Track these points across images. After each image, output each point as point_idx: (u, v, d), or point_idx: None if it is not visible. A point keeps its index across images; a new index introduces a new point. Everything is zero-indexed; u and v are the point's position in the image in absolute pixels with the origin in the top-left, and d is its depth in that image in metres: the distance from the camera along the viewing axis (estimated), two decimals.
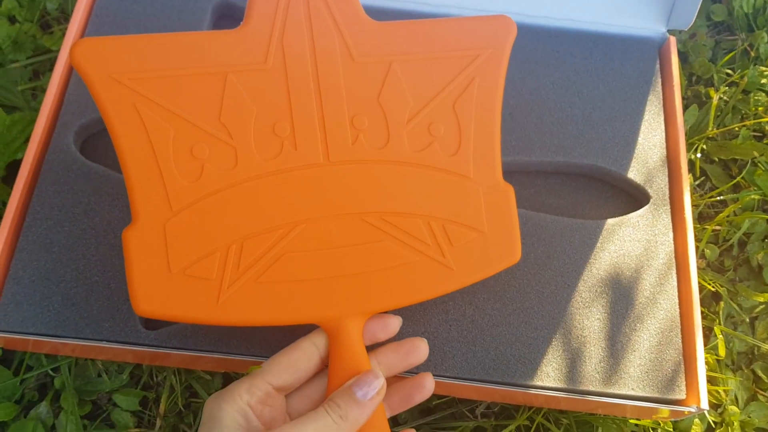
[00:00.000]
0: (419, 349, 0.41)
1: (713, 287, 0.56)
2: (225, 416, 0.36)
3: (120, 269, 0.47)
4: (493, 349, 0.47)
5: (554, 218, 0.51)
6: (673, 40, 0.58)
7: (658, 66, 0.58)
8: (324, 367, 0.41)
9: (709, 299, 0.57)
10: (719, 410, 0.53)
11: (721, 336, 0.54)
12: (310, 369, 0.40)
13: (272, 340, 0.45)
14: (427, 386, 0.41)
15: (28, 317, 0.45)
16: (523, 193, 0.54)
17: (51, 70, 0.60)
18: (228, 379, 0.51)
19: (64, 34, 0.55)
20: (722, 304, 0.56)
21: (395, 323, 0.42)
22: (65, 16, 0.63)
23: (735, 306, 0.56)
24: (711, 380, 0.54)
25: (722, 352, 0.54)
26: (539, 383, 0.46)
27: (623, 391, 0.46)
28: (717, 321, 0.56)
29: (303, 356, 0.39)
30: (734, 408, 0.53)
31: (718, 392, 0.54)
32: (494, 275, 0.44)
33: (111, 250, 0.48)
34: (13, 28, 0.62)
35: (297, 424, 0.35)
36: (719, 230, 0.59)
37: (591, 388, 0.46)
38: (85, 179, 0.50)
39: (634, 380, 0.47)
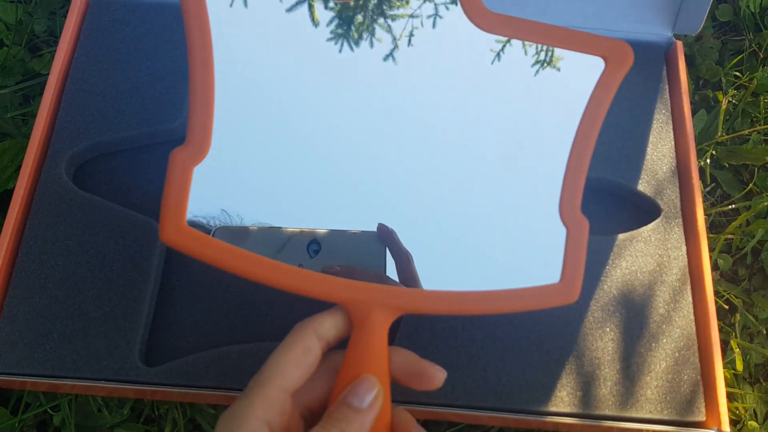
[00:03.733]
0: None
1: (728, 297, 0.55)
2: None
3: (117, 303, 0.46)
4: (504, 374, 0.45)
5: None
6: (680, 44, 0.56)
7: (665, 72, 0.56)
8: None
9: (724, 311, 0.55)
10: (738, 426, 0.52)
11: (738, 350, 0.53)
12: (316, 362, 0.36)
13: None
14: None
15: (23, 357, 0.44)
16: None
17: (41, 94, 0.58)
18: None
19: (53, 57, 0.53)
20: (738, 316, 0.55)
21: (438, 378, 0.36)
22: (54, 38, 0.62)
23: (751, 317, 0.55)
24: (729, 396, 0.52)
25: (740, 366, 0.52)
26: (554, 409, 0.45)
27: (640, 415, 0.45)
28: (733, 334, 0.54)
29: (308, 351, 0.35)
30: (754, 423, 0.52)
31: (736, 408, 0.52)
32: None
33: (107, 284, 0.46)
34: (1, 52, 0.60)
35: None
36: (732, 239, 0.57)
37: (607, 413, 0.45)
38: (79, 210, 0.48)
39: (652, 403, 0.45)
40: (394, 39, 0.39)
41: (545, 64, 0.40)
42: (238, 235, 0.38)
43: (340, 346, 0.37)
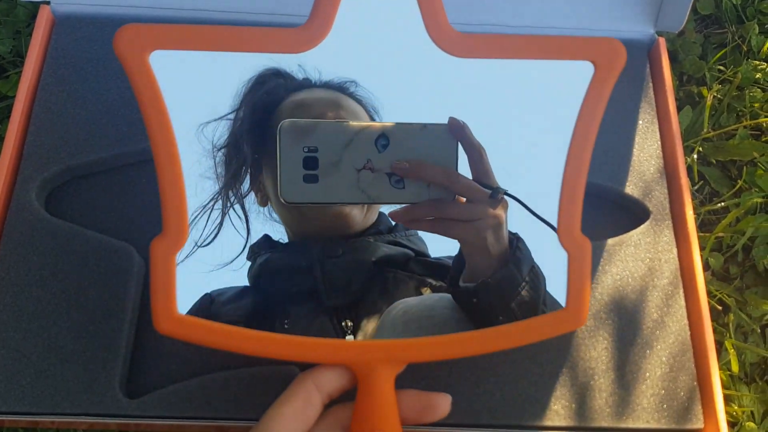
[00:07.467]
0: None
1: (720, 297, 0.54)
2: None
3: (95, 334, 0.44)
4: (497, 390, 0.44)
5: None
6: (662, 41, 0.55)
7: (648, 70, 0.55)
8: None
9: (717, 311, 0.55)
10: (736, 429, 0.51)
11: (732, 350, 0.52)
12: (316, 416, 0.35)
13: (265, 399, 0.42)
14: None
15: None
16: None
17: (8, 117, 0.56)
18: None
19: (19, 78, 0.51)
20: (731, 315, 0.54)
21: (444, 404, 0.36)
22: (20, 59, 0.60)
23: (744, 316, 0.54)
24: (725, 398, 0.52)
25: (735, 367, 0.52)
26: (549, 423, 0.44)
27: (637, 425, 0.44)
28: (727, 334, 0.53)
29: (308, 404, 0.34)
30: (752, 425, 0.51)
31: (734, 411, 0.51)
32: None
33: (84, 315, 0.45)
34: None
35: None
36: (722, 237, 0.56)
37: (603, 424, 0.44)
38: (52, 238, 0.47)
39: (648, 412, 0.44)
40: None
41: (527, 81, 0.38)
42: (306, 129, 0.37)
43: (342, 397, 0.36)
